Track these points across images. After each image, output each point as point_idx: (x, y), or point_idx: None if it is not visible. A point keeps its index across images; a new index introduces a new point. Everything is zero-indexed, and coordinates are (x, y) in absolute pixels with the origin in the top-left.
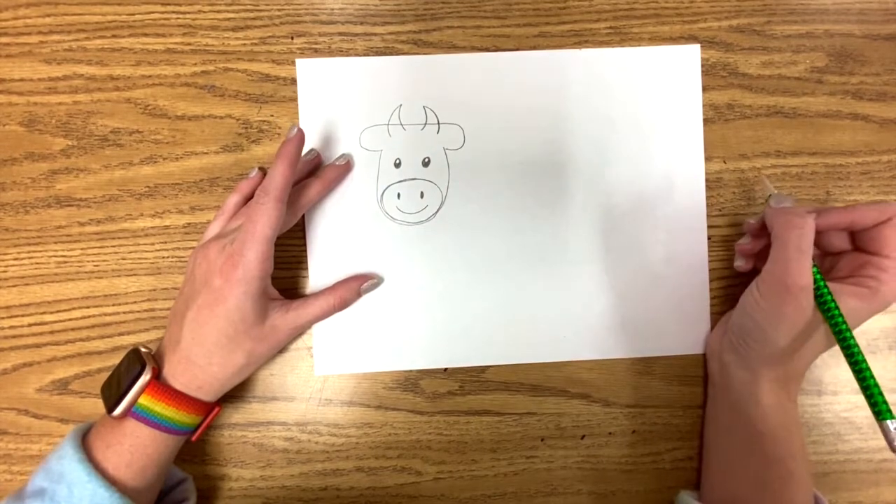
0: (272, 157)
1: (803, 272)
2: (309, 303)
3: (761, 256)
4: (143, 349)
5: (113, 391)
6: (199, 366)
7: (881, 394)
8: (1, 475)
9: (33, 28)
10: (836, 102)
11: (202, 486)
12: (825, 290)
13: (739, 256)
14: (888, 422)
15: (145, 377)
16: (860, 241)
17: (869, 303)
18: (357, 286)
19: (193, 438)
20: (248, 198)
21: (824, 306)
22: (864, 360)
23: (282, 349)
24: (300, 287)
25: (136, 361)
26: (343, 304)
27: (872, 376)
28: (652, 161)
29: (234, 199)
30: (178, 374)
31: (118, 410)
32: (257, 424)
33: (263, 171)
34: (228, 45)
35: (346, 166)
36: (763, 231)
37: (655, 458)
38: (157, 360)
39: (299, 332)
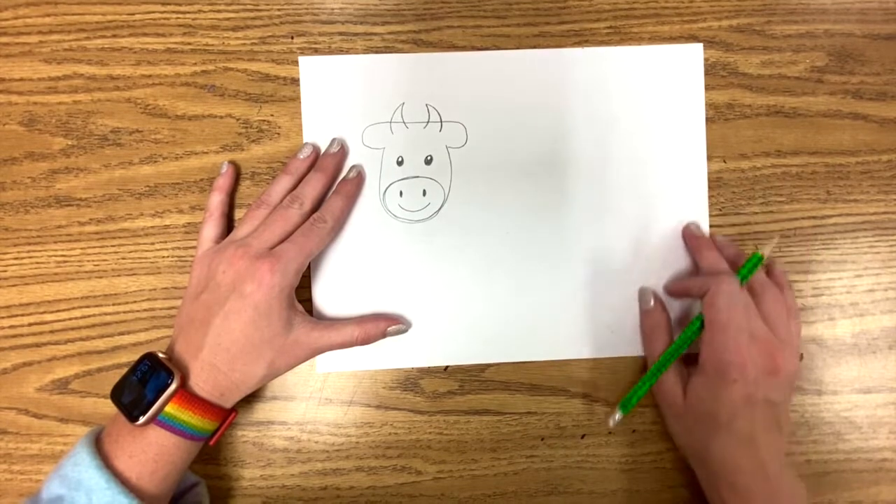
0: (272, 157)
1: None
2: (334, 328)
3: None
4: (160, 355)
5: (134, 399)
6: (223, 372)
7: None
8: (1, 475)
9: (33, 28)
10: (837, 102)
11: None
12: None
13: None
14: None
15: (174, 386)
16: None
17: None
18: (385, 326)
19: (212, 443)
20: (230, 194)
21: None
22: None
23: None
24: (301, 285)
25: (158, 368)
26: (366, 340)
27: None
28: (654, 160)
29: (218, 198)
30: (202, 382)
31: (143, 419)
32: (257, 424)
33: (234, 165)
34: (228, 45)
35: (359, 178)
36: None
37: (655, 458)
38: (178, 367)
39: (318, 353)
